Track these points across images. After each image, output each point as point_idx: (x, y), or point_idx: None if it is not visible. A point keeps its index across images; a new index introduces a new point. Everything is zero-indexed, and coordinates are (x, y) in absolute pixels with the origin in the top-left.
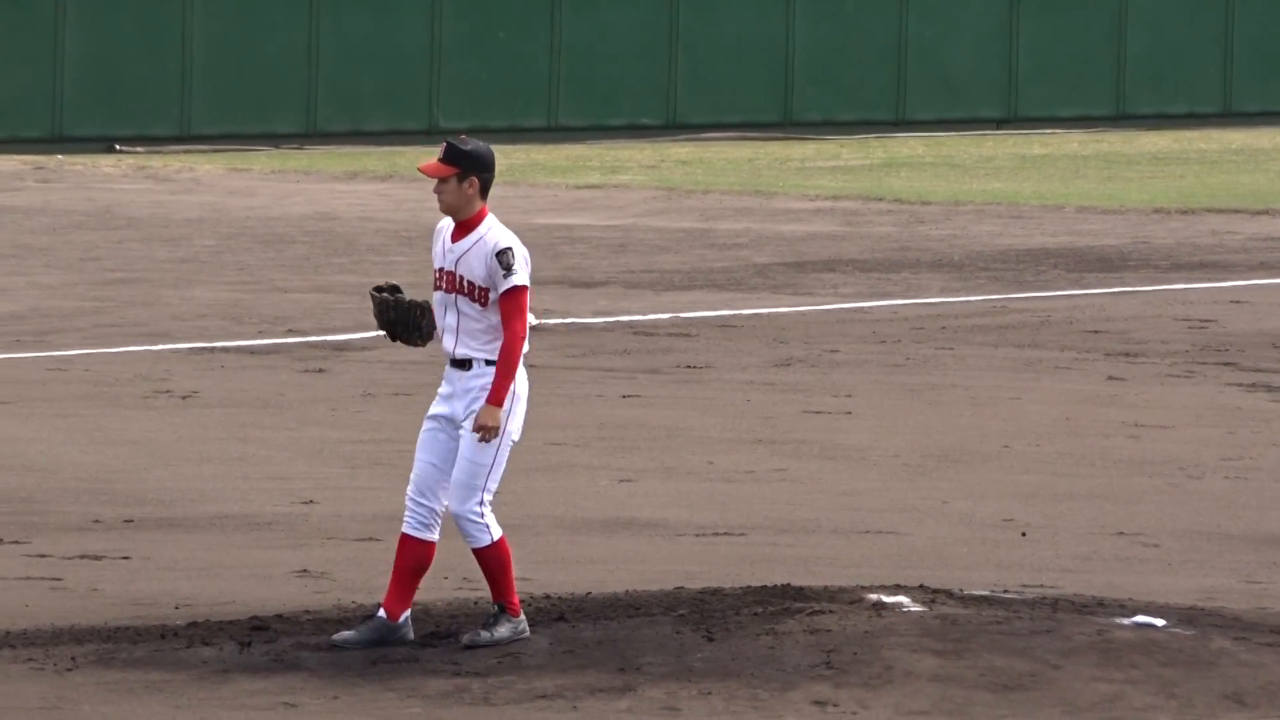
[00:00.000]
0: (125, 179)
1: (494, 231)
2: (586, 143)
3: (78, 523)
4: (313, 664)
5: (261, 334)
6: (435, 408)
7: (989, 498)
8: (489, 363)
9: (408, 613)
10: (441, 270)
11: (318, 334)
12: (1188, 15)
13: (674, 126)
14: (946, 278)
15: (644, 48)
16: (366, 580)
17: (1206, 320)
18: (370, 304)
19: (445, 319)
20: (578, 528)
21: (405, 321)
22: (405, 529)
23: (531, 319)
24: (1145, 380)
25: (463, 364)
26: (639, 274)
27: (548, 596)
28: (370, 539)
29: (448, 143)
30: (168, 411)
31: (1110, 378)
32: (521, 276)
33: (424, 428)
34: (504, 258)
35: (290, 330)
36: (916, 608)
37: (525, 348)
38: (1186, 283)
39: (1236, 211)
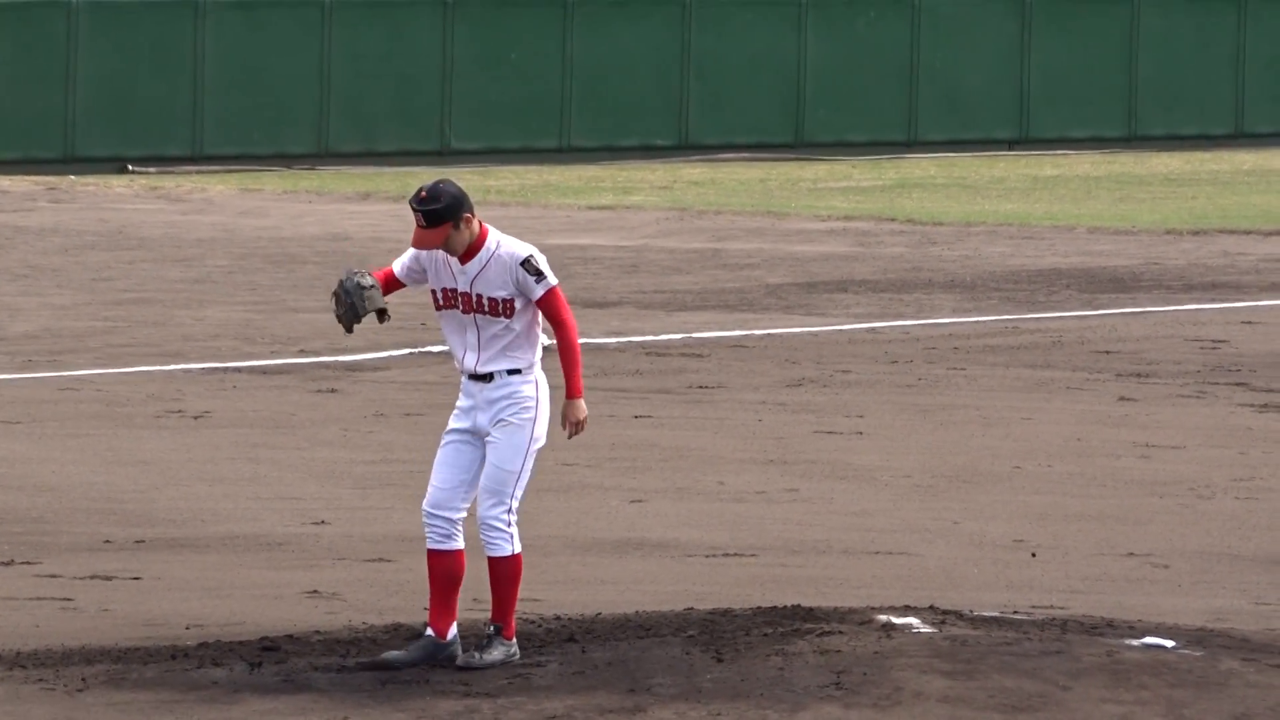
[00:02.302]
0: (137, 199)
1: (505, 244)
2: (599, 163)
3: (89, 543)
4: (323, 685)
5: (273, 354)
6: (456, 422)
7: (999, 518)
8: (511, 372)
9: (455, 629)
10: (454, 291)
11: (330, 354)
12: (1199, 36)
13: (686, 147)
14: (958, 298)
15: (656, 69)
16: (377, 601)
17: (1218, 341)
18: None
19: (465, 337)
20: (588, 548)
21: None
22: (429, 545)
23: (544, 339)
24: (1156, 401)
25: (485, 377)
26: (651, 294)
27: (558, 617)
28: (381, 559)
29: (422, 210)
30: (179, 432)
31: (1122, 398)
32: (551, 276)
33: (445, 442)
34: (530, 266)
35: (302, 350)
36: (926, 629)
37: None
38: (1198, 303)
39: (1248, 233)
